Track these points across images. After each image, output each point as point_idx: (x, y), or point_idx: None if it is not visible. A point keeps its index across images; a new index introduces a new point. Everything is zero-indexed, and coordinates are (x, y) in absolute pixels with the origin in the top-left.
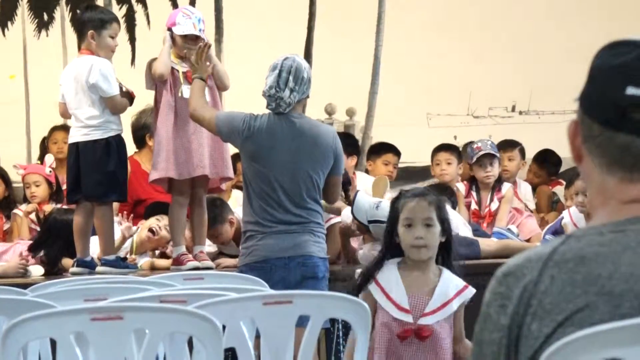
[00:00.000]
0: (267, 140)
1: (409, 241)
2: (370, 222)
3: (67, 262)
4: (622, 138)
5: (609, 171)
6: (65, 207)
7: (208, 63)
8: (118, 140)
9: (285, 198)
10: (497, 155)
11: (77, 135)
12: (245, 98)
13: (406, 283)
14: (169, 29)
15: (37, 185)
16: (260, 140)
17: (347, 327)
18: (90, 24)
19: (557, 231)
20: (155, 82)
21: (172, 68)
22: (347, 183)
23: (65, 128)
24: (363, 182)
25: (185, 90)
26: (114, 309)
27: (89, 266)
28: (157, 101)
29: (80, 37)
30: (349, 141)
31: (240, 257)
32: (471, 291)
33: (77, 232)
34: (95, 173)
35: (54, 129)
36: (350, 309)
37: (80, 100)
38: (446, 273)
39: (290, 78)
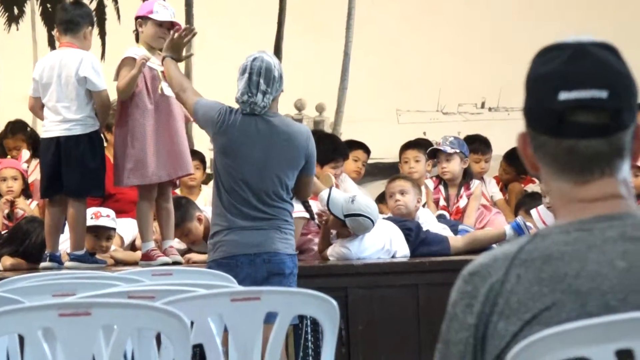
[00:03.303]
0: (239, 136)
1: None
2: (346, 216)
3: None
4: (566, 143)
5: (562, 177)
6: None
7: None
8: (98, 135)
9: (252, 195)
10: (451, 151)
11: (55, 129)
12: (217, 93)
13: None
14: (142, 17)
15: (15, 179)
16: (232, 136)
17: (315, 324)
18: (87, 20)
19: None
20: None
21: (149, 66)
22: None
23: (21, 129)
24: (349, 187)
25: (166, 88)
26: (82, 305)
27: (60, 261)
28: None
29: (71, 32)
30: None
31: (208, 252)
32: None
33: (50, 228)
34: (79, 169)
35: (10, 130)
36: (319, 305)
37: (61, 93)
38: None
39: (261, 81)
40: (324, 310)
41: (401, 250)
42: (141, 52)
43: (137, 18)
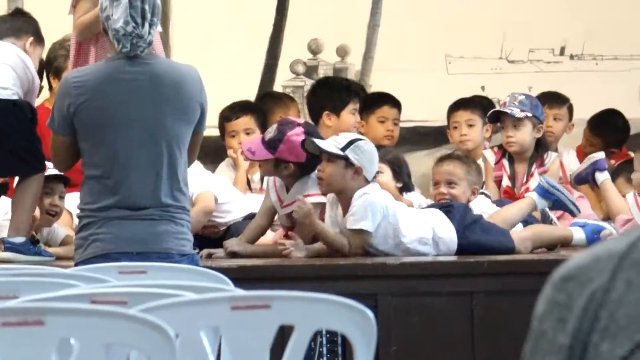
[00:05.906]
0: (114, 93)
1: None
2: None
3: None
4: None
5: None
6: None
7: None
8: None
9: (140, 170)
10: (521, 115)
11: None
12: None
13: None
14: None
15: None
16: (105, 93)
17: (332, 342)
18: (32, 27)
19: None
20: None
21: None
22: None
23: None
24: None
25: None
26: (32, 311)
27: None
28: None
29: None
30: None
31: (75, 251)
32: None
33: None
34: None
35: None
36: (349, 317)
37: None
38: None
39: (147, 8)
40: (355, 323)
41: (445, 232)
42: None
43: None
